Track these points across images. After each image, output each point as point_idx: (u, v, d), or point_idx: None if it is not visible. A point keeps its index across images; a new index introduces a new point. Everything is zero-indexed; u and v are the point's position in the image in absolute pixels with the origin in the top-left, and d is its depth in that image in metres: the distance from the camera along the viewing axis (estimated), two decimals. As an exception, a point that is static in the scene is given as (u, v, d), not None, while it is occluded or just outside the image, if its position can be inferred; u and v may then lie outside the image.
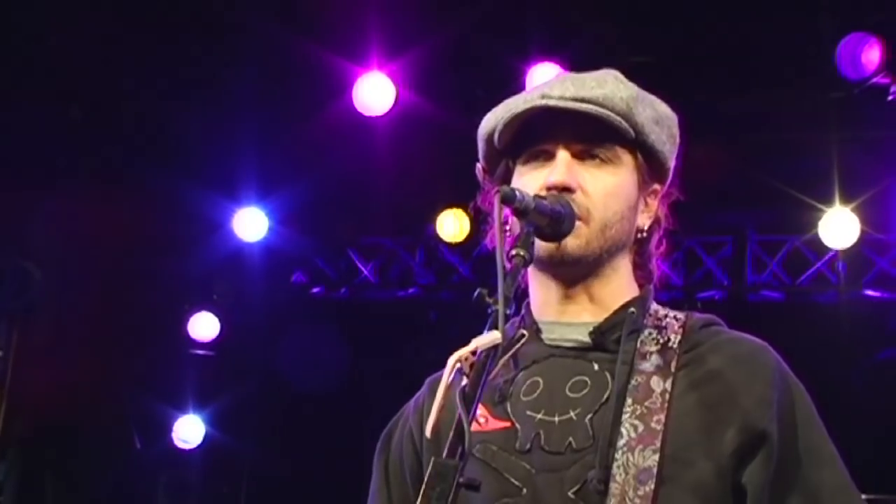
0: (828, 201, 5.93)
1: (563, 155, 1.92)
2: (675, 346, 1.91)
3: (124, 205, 6.09)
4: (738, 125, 5.83)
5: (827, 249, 6.28)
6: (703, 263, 6.69)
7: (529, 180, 1.92)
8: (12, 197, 5.75)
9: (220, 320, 7.05)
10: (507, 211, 1.78)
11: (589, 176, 1.92)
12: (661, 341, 1.92)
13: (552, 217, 1.81)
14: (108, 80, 5.77)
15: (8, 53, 5.41)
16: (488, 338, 1.56)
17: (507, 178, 1.99)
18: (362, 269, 7.27)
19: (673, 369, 1.87)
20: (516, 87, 4.94)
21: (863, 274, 6.41)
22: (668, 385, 1.85)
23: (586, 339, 1.93)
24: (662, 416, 1.81)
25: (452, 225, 6.58)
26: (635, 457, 1.79)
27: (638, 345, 1.91)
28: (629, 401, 1.84)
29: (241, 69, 5.75)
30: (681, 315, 1.98)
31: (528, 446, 1.86)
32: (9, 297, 6.15)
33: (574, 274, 1.94)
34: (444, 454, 1.49)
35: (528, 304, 2.02)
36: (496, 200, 1.70)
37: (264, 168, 6.43)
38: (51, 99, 5.80)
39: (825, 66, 4.98)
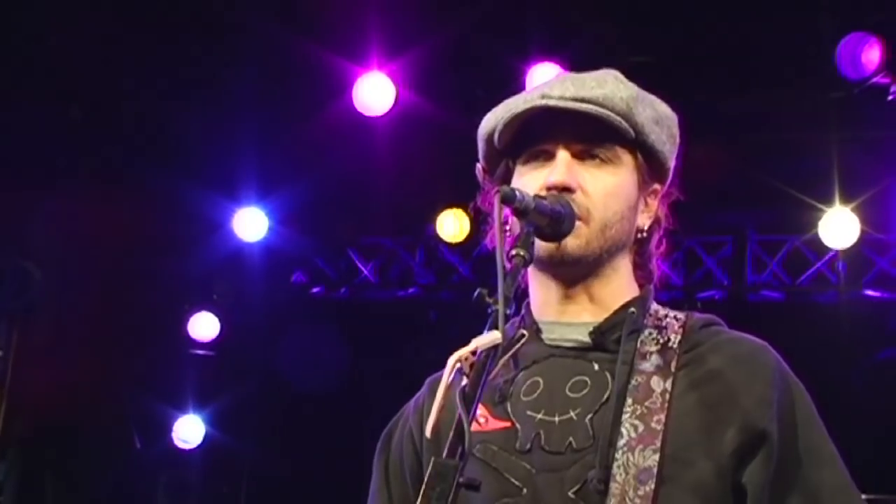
0: (828, 201, 5.93)
1: (563, 155, 1.92)
2: (675, 346, 1.91)
3: (124, 205, 6.09)
4: (738, 125, 5.83)
5: (827, 249, 6.28)
6: (703, 263, 6.69)
7: (529, 180, 1.92)
8: (12, 197, 5.75)
9: (220, 320, 7.05)
10: (507, 211, 1.78)
11: (589, 176, 1.92)
12: (662, 341, 1.92)
13: (552, 217, 1.81)
14: (108, 80, 5.77)
15: (8, 53, 5.41)
16: (488, 338, 1.56)
17: (507, 179, 1.99)
18: (362, 268, 7.27)
19: (673, 369, 1.87)
20: (516, 86, 4.94)
21: (863, 274, 6.41)
22: (669, 385, 1.85)
23: (586, 339, 1.93)
24: (662, 416, 1.81)
25: (452, 225, 6.58)
26: (635, 457, 1.79)
27: (638, 345, 1.91)
28: (629, 401, 1.84)
29: (241, 69, 5.75)
30: (681, 315, 1.98)
31: (528, 446, 1.86)
32: (9, 296, 6.15)
33: (574, 274, 1.94)
34: (444, 454, 1.49)
35: (529, 304, 2.02)
36: (496, 200, 1.70)
37: (264, 168, 6.43)
38: (51, 99, 5.79)
39: (825, 65, 4.98)
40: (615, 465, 1.78)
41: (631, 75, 2.00)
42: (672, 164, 2.03)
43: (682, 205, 2.07)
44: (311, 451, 6.97)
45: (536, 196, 1.81)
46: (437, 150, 5.88)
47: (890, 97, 5.07)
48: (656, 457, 1.78)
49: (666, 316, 1.97)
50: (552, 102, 1.90)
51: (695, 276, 6.70)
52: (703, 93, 5.31)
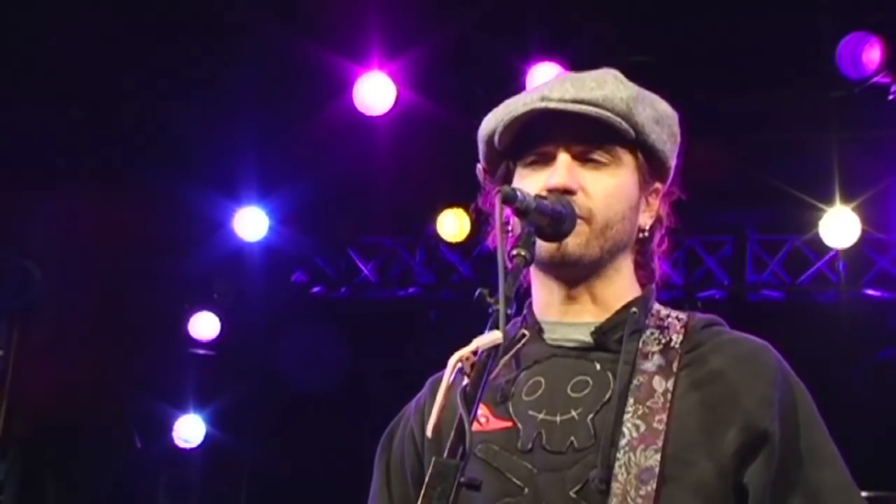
0: (828, 201, 5.93)
1: (563, 157, 1.92)
2: (676, 346, 1.91)
3: (124, 204, 6.09)
4: (738, 125, 5.83)
5: (827, 249, 6.28)
6: (704, 263, 6.69)
7: (530, 182, 1.92)
8: (12, 197, 5.75)
9: (221, 320, 7.05)
10: (508, 211, 1.78)
11: (590, 177, 1.92)
12: (663, 341, 1.92)
13: (553, 217, 1.81)
14: (108, 80, 5.77)
15: (8, 53, 5.41)
16: (489, 338, 1.56)
17: (507, 180, 1.99)
18: (362, 268, 7.27)
19: (675, 369, 1.88)
20: (517, 86, 4.94)
21: (863, 273, 6.41)
22: (670, 385, 1.85)
23: (588, 339, 1.93)
24: (664, 416, 1.81)
25: (453, 224, 6.58)
26: (637, 456, 1.79)
27: (640, 345, 1.91)
28: (631, 400, 1.84)
29: (241, 69, 5.75)
30: (683, 315, 1.98)
31: (529, 446, 1.86)
32: (9, 296, 6.15)
33: (576, 275, 1.94)
34: (445, 454, 1.49)
35: (531, 304, 2.02)
36: (497, 200, 1.70)
37: (265, 168, 6.43)
38: (51, 99, 5.79)
39: (825, 65, 4.98)
40: (617, 464, 1.78)
41: (631, 75, 2.00)
42: (673, 162, 2.03)
43: (683, 204, 2.07)
44: (311, 451, 6.98)
45: (537, 196, 1.81)
46: (438, 150, 5.88)
47: (890, 97, 5.07)
48: (658, 457, 1.78)
49: (668, 316, 1.97)
50: (551, 105, 1.90)
51: (695, 276, 6.70)
52: (703, 92, 5.31)
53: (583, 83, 1.93)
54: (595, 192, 1.91)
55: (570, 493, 1.80)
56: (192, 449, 6.97)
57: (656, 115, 1.98)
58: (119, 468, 6.84)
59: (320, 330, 7.03)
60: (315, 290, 7.40)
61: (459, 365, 1.55)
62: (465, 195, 2.20)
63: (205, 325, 7.03)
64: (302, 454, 6.99)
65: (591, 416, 1.85)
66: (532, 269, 1.95)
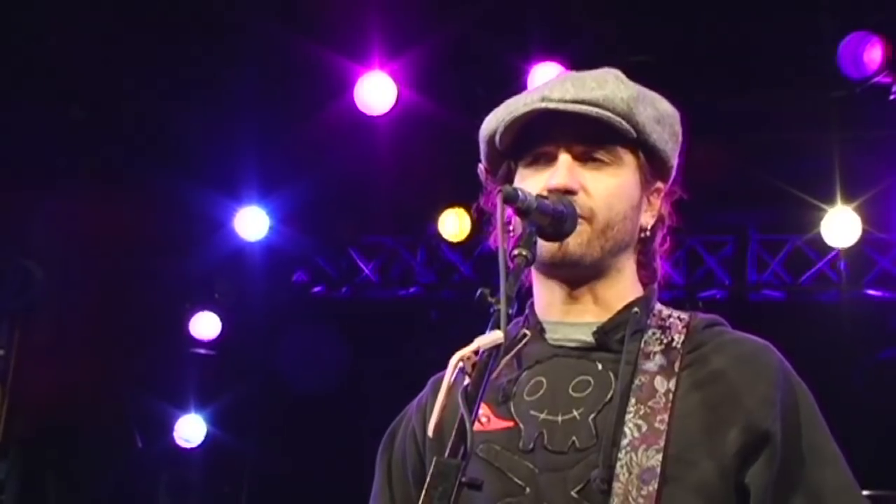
0: (829, 200, 5.93)
1: (564, 158, 1.92)
2: (678, 346, 1.91)
3: (125, 204, 6.09)
4: (739, 124, 5.83)
5: (828, 249, 6.28)
6: (705, 263, 6.68)
7: (531, 183, 1.91)
8: (13, 197, 5.75)
9: (222, 319, 7.04)
10: (509, 211, 1.78)
11: (591, 177, 1.91)
12: (665, 341, 1.92)
13: (554, 217, 1.81)
14: (108, 80, 5.77)
15: (8, 53, 5.41)
16: (490, 337, 1.56)
17: (509, 179, 1.99)
18: (363, 268, 7.27)
19: (676, 369, 1.88)
20: (517, 86, 4.94)
21: (864, 273, 6.41)
22: (672, 385, 1.85)
23: (590, 339, 1.93)
24: (666, 416, 1.81)
25: (454, 224, 6.58)
26: (639, 456, 1.79)
27: (642, 345, 1.91)
28: (633, 400, 1.84)
29: (241, 69, 5.75)
30: (684, 315, 1.98)
31: (531, 446, 1.86)
32: (10, 296, 6.15)
33: (577, 275, 1.94)
34: (447, 454, 1.49)
35: (532, 304, 2.02)
36: (498, 200, 1.70)
37: (265, 167, 6.43)
38: (51, 99, 5.79)
39: (826, 65, 4.98)
40: (618, 464, 1.79)
41: (631, 75, 2.00)
42: (675, 161, 2.03)
43: (684, 204, 2.07)
44: (312, 451, 6.97)
45: (539, 196, 1.81)
46: (439, 150, 5.88)
47: (891, 96, 5.07)
48: (659, 457, 1.78)
49: (669, 316, 1.97)
50: (552, 105, 1.90)
51: (696, 276, 6.70)
52: (704, 92, 5.31)
53: (583, 83, 1.93)
54: (596, 191, 1.91)
55: (572, 493, 1.80)
56: (192, 449, 6.98)
57: (657, 115, 1.97)
58: (120, 468, 6.85)
59: (321, 330, 7.03)
60: (316, 289, 7.40)
61: (461, 365, 1.55)
62: (465, 195, 2.20)
63: (206, 325, 7.03)
64: (303, 454, 6.99)
65: (592, 415, 1.85)
66: (533, 269, 1.95)
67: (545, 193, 1.86)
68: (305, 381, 6.79)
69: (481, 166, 2.06)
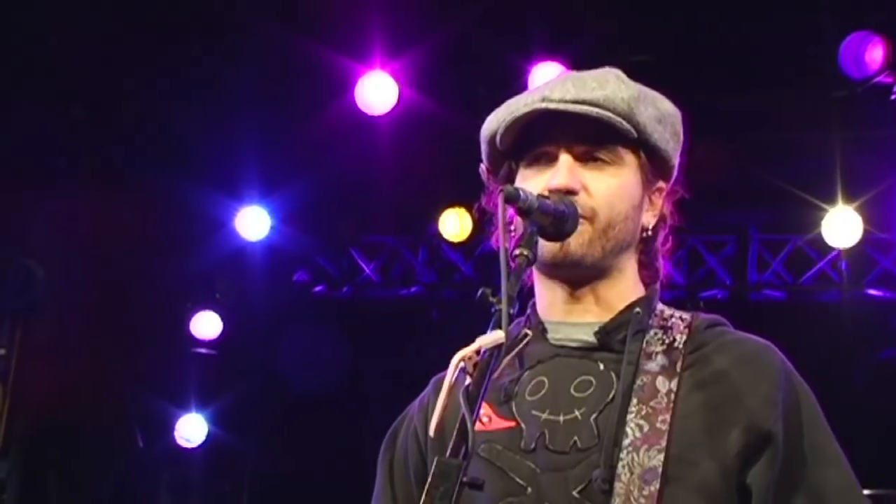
0: (830, 200, 5.93)
1: (565, 158, 1.92)
2: (680, 346, 1.91)
3: (126, 204, 6.09)
4: (740, 124, 5.83)
5: (829, 249, 6.27)
6: (706, 262, 6.68)
7: (533, 182, 1.92)
8: (13, 197, 5.76)
9: (223, 319, 7.04)
10: (510, 211, 1.78)
11: (592, 177, 1.91)
12: (667, 341, 1.92)
13: (556, 216, 1.81)
14: (108, 80, 5.77)
15: (8, 53, 5.41)
16: (492, 337, 1.57)
17: (510, 180, 1.99)
18: (364, 267, 7.27)
19: (678, 369, 1.88)
20: (518, 85, 4.94)
21: (865, 273, 6.41)
22: (674, 385, 1.85)
23: (592, 339, 1.93)
24: (668, 416, 1.81)
25: (455, 224, 6.58)
26: (640, 456, 1.79)
27: (643, 345, 1.91)
28: (634, 400, 1.84)
29: (242, 69, 5.75)
30: (686, 315, 1.98)
31: (532, 445, 1.86)
32: (11, 295, 6.15)
33: (579, 275, 1.94)
34: (448, 453, 1.49)
35: (534, 304, 2.02)
36: (500, 200, 1.70)
37: (266, 167, 6.43)
38: (51, 99, 5.79)
39: (827, 65, 4.98)
40: (620, 464, 1.78)
41: (632, 74, 2.00)
42: (676, 161, 2.03)
43: (685, 204, 2.07)
44: (313, 450, 6.97)
45: (540, 196, 1.81)
46: (440, 149, 5.88)
47: (893, 96, 5.06)
48: (661, 457, 1.78)
49: (671, 316, 1.97)
50: (552, 105, 1.90)
51: (697, 276, 6.70)
52: (704, 92, 5.31)
53: (584, 83, 1.93)
54: (597, 191, 1.91)
55: (574, 493, 1.80)
56: (193, 448, 6.98)
57: (658, 115, 1.97)
58: (121, 467, 6.85)
59: (322, 329, 7.03)
60: (317, 289, 7.40)
61: (462, 364, 1.55)
62: (467, 194, 2.20)
63: (206, 325, 7.04)
64: (303, 453, 6.99)
65: (594, 415, 1.85)
66: (535, 269, 1.95)
67: (546, 193, 1.86)
68: (306, 381, 6.79)
69: (482, 166, 2.06)
